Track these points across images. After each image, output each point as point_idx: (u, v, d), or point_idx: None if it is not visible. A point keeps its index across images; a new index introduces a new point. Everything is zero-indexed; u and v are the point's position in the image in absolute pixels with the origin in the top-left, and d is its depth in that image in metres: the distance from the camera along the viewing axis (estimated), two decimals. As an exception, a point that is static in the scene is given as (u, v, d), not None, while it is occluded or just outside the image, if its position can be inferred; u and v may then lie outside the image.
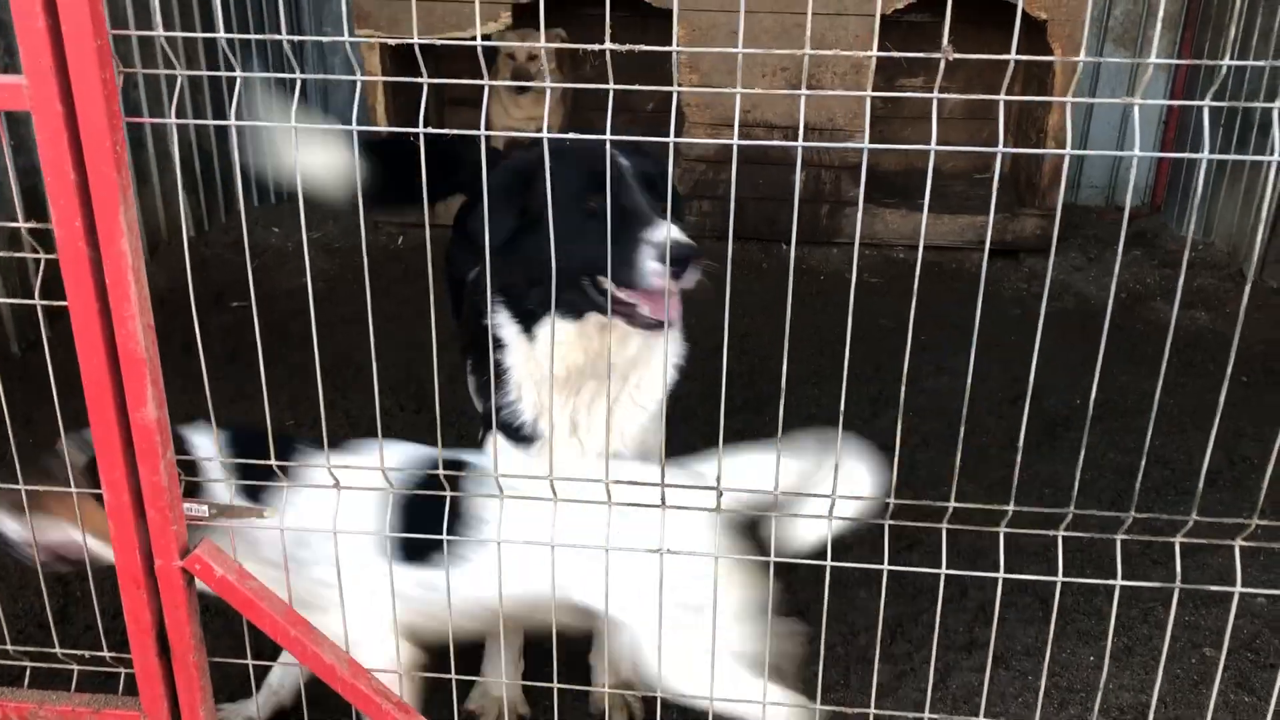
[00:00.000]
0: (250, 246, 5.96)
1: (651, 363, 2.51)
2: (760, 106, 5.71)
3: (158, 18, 1.85)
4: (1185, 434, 4.27)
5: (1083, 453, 2.10)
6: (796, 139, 5.67)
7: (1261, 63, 1.93)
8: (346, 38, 1.80)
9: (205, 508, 2.11)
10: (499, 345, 2.50)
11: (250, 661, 2.31)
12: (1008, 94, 1.76)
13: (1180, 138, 6.46)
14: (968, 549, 3.54)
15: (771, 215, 5.83)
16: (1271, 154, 1.80)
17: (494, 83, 1.85)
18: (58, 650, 2.41)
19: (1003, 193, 6.21)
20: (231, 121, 1.82)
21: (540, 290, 2.33)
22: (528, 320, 2.45)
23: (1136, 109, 1.82)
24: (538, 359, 2.43)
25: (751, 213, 5.83)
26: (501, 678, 2.76)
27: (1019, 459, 2.07)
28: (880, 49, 5.56)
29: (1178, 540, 2.11)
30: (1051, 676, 3.08)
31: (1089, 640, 3.20)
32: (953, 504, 2.06)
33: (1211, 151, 6.03)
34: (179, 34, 1.82)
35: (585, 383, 2.51)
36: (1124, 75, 6.46)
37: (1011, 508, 2.05)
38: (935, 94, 1.79)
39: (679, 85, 5.58)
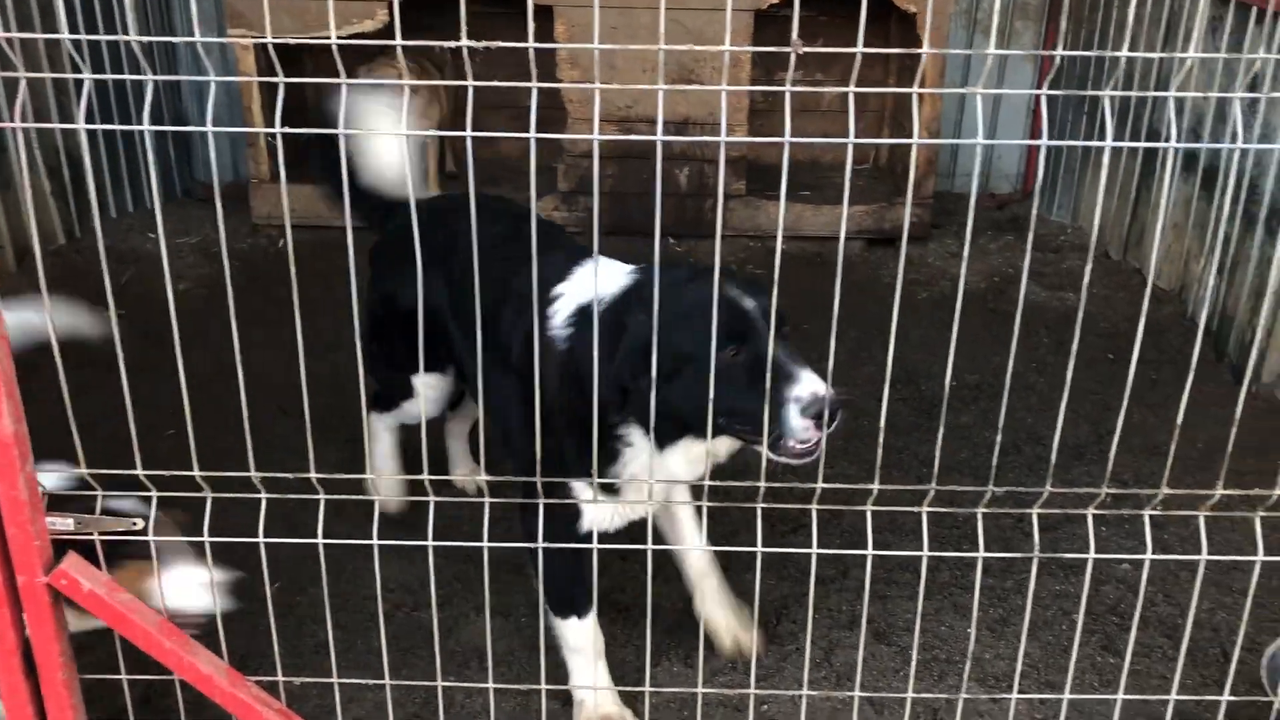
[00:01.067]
0: (126, 252, 5.81)
1: None
2: (642, 102, 5.75)
3: (62, 20, 1.80)
4: (1055, 410, 4.42)
5: (941, 431, 2.18)
6: (681, 133, 5.73)
7: (1100, 53, 2.02)
8: (198, 38, 1.78)
9: (70, 521, 2.06)
10: (624, 440, 2.58)
11: (125, 677, 2.26)
12: (872, 85, 1.82)
13: (1049, 127, 6.69)
14: (850, 529, 3.66)
15: (653, 209, 5.86)
16: (1104, 139, 1.89)
17: (352, 81, 1.85)
18: (-80, 675, 2.33)
19: (880, 182, 6.36)
20: (81, 125, 1.78)
21: (679, 424, 2.46)
22: (660, 439, 2.52)
23: (980, 98, 1.90)
24: (661, 461, 2.54)
25: (634, 207, 5.87)
26: None
27: (881, 440, 2.14)
28: (757, 43, 5.64)
29: (1035, 511, 2.20)
30: (931, 649, 3.18)
31: (966, 613, 3.31)
32: (820, 485, 2.12)
33: (1074, 137, 6.25)
34: (18, 35, 1.76)
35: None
36: (995, 69, 6.66)
37: (876, 486, 2.11)
38: (788, 87, 1.84)
39: (560, 80, 5.61)
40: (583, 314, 2.60)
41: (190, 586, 2.32)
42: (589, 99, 5.75)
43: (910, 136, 6.10)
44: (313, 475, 2.08)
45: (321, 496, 2.11)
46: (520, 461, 2.82)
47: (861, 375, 4.63)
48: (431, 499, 2.17)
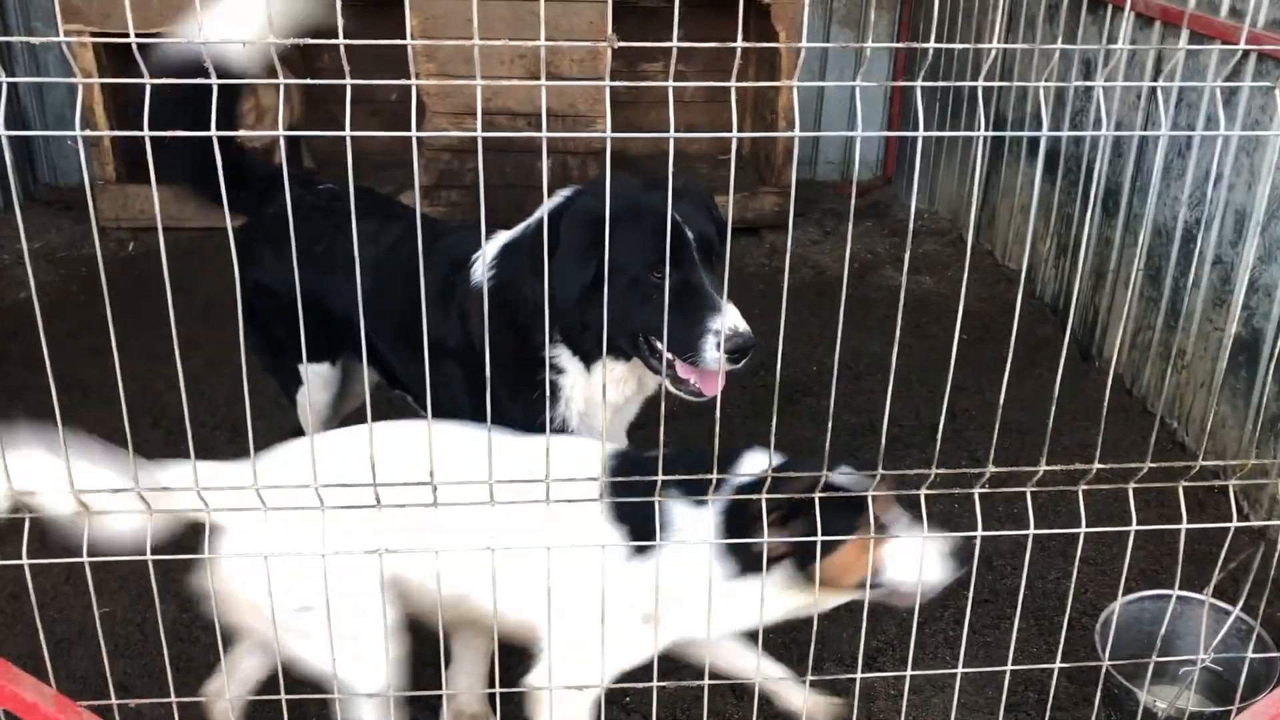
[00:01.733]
0: (-37, 260, 5.54)
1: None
2: (501, 95, 5.70)
3: None
4: (912, 391, 4.55)
5: (775, 420, 2.21)
6: (538, 126, 5.70)
7: (963, 45, 2.07)
8: (62, 38, 1.69)
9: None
10: (556, 370, 2.65)
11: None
12: (739, 78, 1.83)
13: (904, 113, 6.86)
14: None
15: (519, 201, 5.81)
16: (976, 129, 1.94)
17: (220, 81, 1.78)
18: None
19: (743, 173, 6.44)
20: (2, 132, 1.67)
21: (599, 336, 2.47)
22: (586, 357, 2.61)
23: (859, 90, 1.93)
24: (592, 386, 2.61)
25: (500, 199, 5.81)
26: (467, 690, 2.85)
27: (717, 428, 2.16)
28: (613, 35, 5.64)
29: (869, 495, 2.25)
30: (788, 632, 3.23)
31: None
32: (661, 477, 2.13)
33: (929, 128, 6.41)
34: None
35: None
36: (850, 56, 6.80)
37: (715, 476, 2.13)
38: (606, 82, 1.84)
39: (415, 76, 5.52)
40: (506, 248, 2.68)
41: (921, 557, 2.27)
42: (447, 93, 5.68)
43: (772, 125, 6.19)
44: (136, 489, 2.00)
45: (151, 511, 2.04)
46: None
47: (725, 364, 4.68)
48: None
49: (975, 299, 5.37)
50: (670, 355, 2.46)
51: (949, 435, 4.24)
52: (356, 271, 1.88)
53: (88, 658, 3.03)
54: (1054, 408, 2.30)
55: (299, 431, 3.54)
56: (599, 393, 2.60)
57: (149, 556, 2.05)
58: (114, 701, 2.18)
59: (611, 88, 1.98)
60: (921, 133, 1.94)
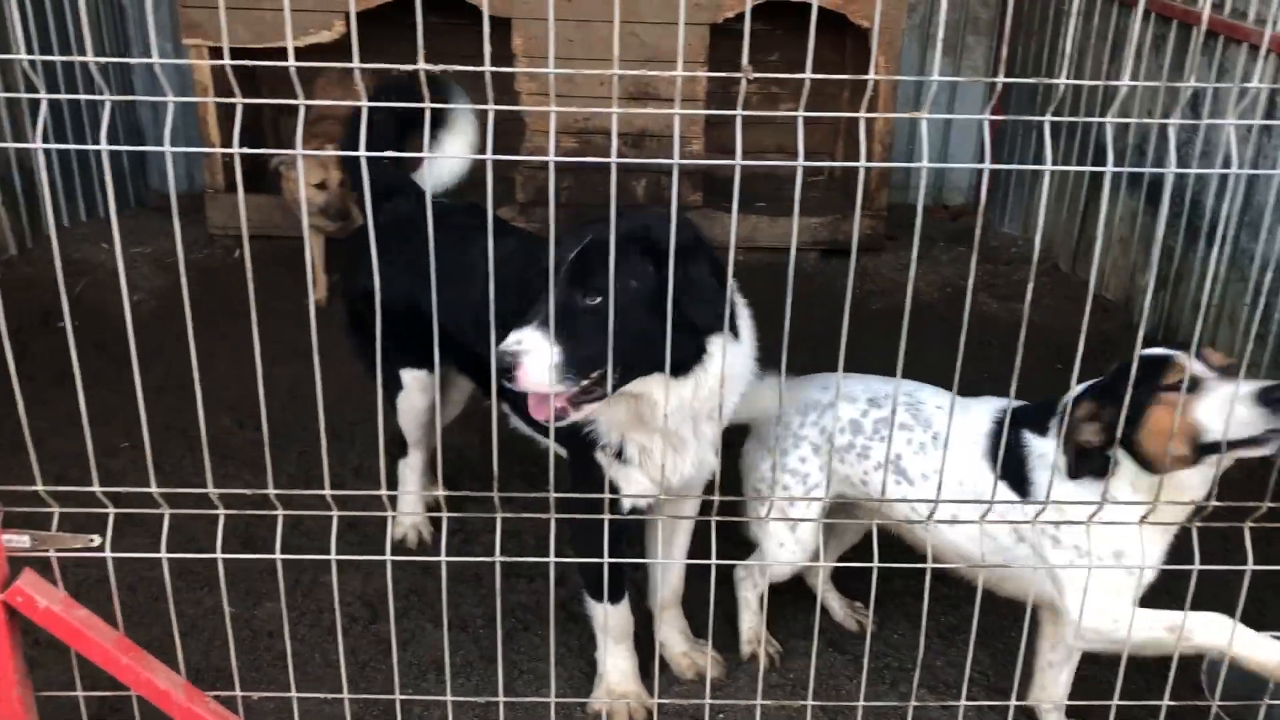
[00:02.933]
0: (79, 263, 5.76)
1: (729, 388, 2.65)
2: (598, 115, 5.79)
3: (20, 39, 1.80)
4: (1006, 421, 4.51)
5: (890, 446, 2.22)
6: (635, 146, 5.78)
7: (1049, 80, 2.08)
8: (155, 59, 1.79)
9: (25, 538, 2.06)
10: None
11: (81, 694, 2.26)
12: (827, 98, 1.87)
13: (999, 142, 6.81)
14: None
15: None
16: (1044, 163, 1.95)
17: (310, 102, 1.87)
18: None
19: (834, 194, 6.44)
20: (38, 145, 1.79)
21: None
22: None
23: (924, 121, 1.95)
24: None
25: (590, 220, 5.91)
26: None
27: (830, 453, 2.18)
28: (714, 56, 5.69)
29: (979, 521, 2.25)
30: (883, 657, 3.23)
31: (918, 621, 3.35)
32: (773, 498, 2.16)
33: (1023, 155, 6.37)
34: (40, 56, 1.77)
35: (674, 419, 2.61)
36: (949, 82, 6.78)
37: (827, 499, 2.15)
38: (739, 110, 1.88)
39: (518, 92, 5.63)
40: None
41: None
42: (545, 113, 5.77)
43: (868, 149, 6.18)
44: (270, 492, 2.08)
45: (280, 513, 2.12)
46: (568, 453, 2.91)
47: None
48: (389, 514, 2.19)
49: (1069, 329, 5.31)
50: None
51: (1044, 466, 4.19)
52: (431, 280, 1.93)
53: (199, 651, 3.13)
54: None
55: (400, 437, 3.64)
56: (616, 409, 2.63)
57: (277, 556, 2.12)
58: (238, 693, 2.26)
59: (709, 108, 2.02)
60: (988, 165, 1.96)
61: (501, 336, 2.92)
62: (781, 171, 6.78)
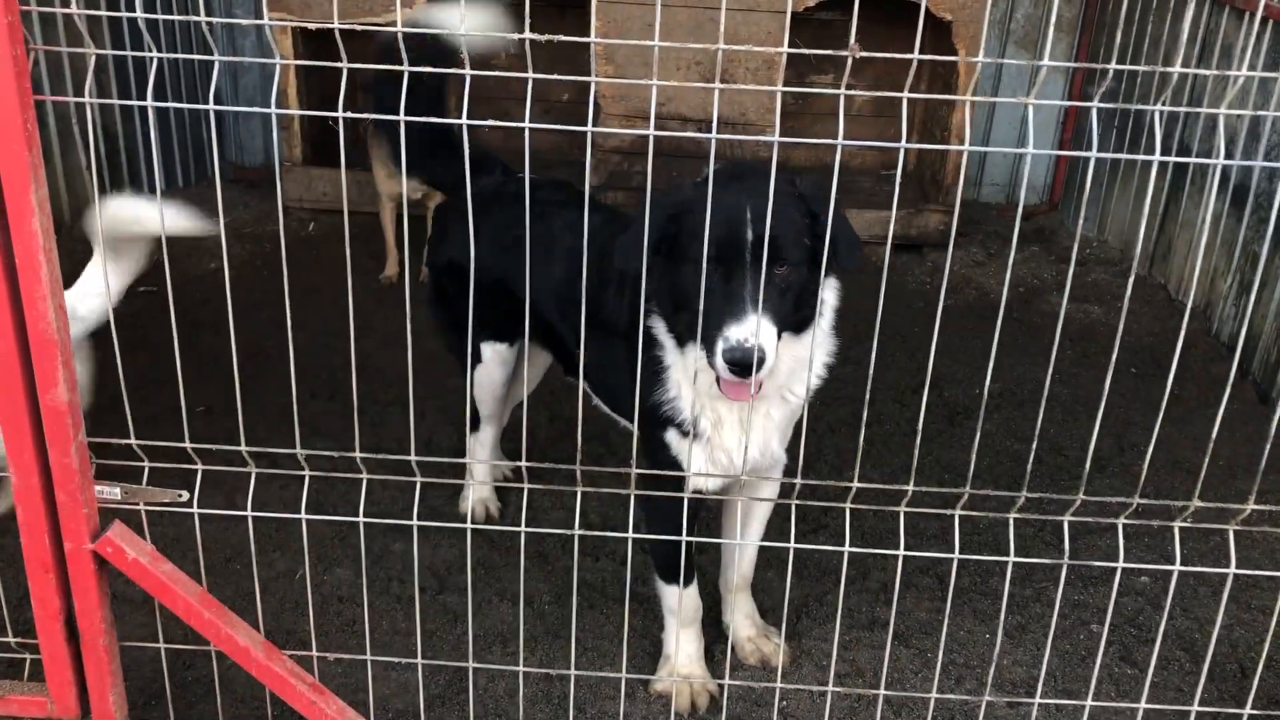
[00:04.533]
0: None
1: (800, 363, 2.61)
2: (675, 99, 5.78)
3: (71, -4, 1.83)
4: (1078, 422, 4.45)
5: (978, 438, 2.20)
6: (710, 131, 5.76)
7: (1148, 68, 2.04)
8: (266, 20, 1.81)
9: (117, 490, 2.10)
10: (659, 345, 2.65)
11: (162, 645, 2.30)
12: (901, 88, 1.85)
13: (1077, 139, 6.70)
14: (870, 532, 3.68)
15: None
16: (1153, 154, 1.91)
17: (413, 69, 1.88)
18: (-40, 637, 2.37)
19: (908, 189, 6.37)
20: (150, 103, 1.81)
21: (684, 317, 2.47)
22: (678, 337, 2.59)
23: (1031, 109, 1.92)
24: (688, 366, 2.58)
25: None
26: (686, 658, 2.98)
27: (918, 441, 2.16)
28: (791, 45, 5.66)
29: (1066, 519, 2.22)
30: (949, 653, 3.20)
31: (985, 619, 3.33)
32: (856, 484, 2.14)
33: (1103, 151, 6.28)
34: (95, 12, 1.81)
35: (779, 383, 2.61)
36: (1025, 76, 6.68)
37: (911, 488, 2.13)
38: (843, 90, 1.87)
39: (595, 74, 5.63)
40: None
41: None
42: (621, 94, 5.78)
43: (942, 143, 6.12)
44: (357, 455, 2.11)
45: (364, 476, 2.14)
46: (640, 433, 2.90)
47: (885, 380, 4.66)
48: (471, 482, 2.20)
49: (1147, 333, 5.22)
50: (716, 363, 2.39)
51: (1118, 469, 4.13)
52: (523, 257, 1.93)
53: (269, 613, 3.18)
54: (1211, 445, 2.24)
55: (473, 411, 3.66)
56: (699, 379, 2.57)
57: (360, 519, 2.15)
58: (314, 654, 2.29)
59: (781, 96, 2.00)
60: (1095, 153, 1.91)
61: (585, 308, 2.89)
62: (854, 162, 6.73)
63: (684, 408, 2.68)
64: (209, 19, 1.80)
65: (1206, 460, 2.22)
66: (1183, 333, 2.10)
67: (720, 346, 2.29)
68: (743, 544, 3.07)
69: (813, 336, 2.47)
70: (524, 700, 2.90)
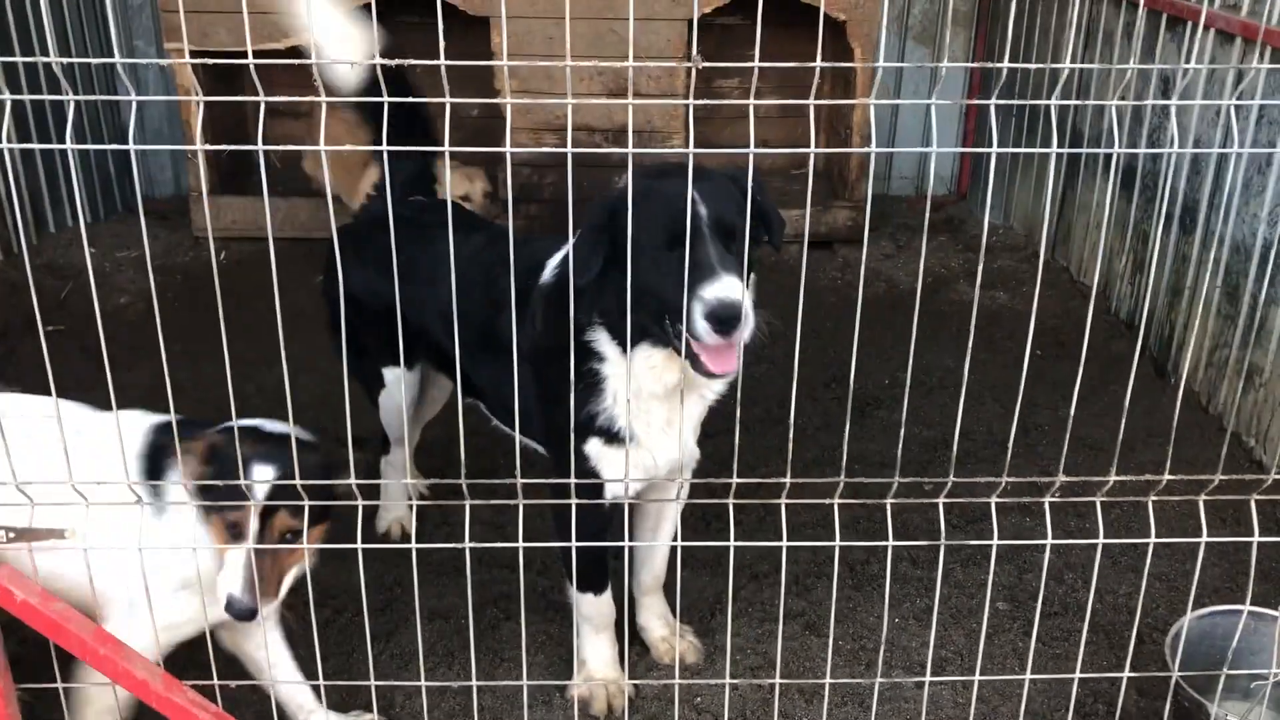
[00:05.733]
0: (66, 267, 5.80)
1: None
2: (580, 111, 5.83)
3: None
4: (984, 405, 4.57)
5: (903, 429, 2.27)
6: (615, 141, 5.83)
7: (1039, 65, 2.14)
8: (187, 60, 1.84)
9: (2, 531, 2.10)
10: (599, 358, 2.67)
11: (60, 685, 2.30)
12: (805, 89, 1.93)
13: (979, 130, 6.86)
14: (790, 525, 3.75)
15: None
16: (1050, 146, 2.00)
17: (329, 99, 1.92)
18: None
19: (817, 186, 6.49)
20: (70, 145, 1.83)
21: (633, 320, 2.46)
22: (622, 343, 2.60)
23: (933, 107, 2.00)
24: (635, 375, 2.60)
25: (579, 213, 5.95)
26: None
27: (846, 433, 2.22)
28: (697, 56, 5.74)
29: (993, 500, 2.29)
30: (860, 639, 3.28)
31: (894, 603, 3.42)
32: (789, 479, 2.21)
33: (1003, 144, 6.43)
34: (9, 59, 1.83)
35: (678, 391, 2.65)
36: (926, 71, 6.82)
37: (842, 480, 2.19)
38: (751, 100, 1.94)
39: (497, 90, 5.67)
40: (570, 250, 2.69)
41: None
42: (527, 110, 5.82)
43: (846, 141, 6.24)
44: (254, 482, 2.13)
45: (281, 503, 2.17)
46: (549, 448, 2.95)
47: (799, 375, 4.73)
48: (386, 503, 2.23)
49: (1050, 315, 5.36)
50: (688, 335, 2.42)
51: (1021, 450, 4.25)
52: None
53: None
54: (1124, 420, 2.34)
55: (382, 434, 3.69)
56: (641, 383, 2.62)
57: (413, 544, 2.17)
58: (215, 683, 2.31)
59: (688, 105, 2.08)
60: (995, 149, 2.01)
61: (480, 331, 2.94)
62: (764, 164, 6.83)
63: (618, 415, 2.71)
64: (123, 60, 1.83)
65: (1120, 435, 2.30)
66: (1090, 316, 2.20)
67: (699, 310, 2.29)
68: (655, 546, 3.13)
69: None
70: (444, 715, 2.94)
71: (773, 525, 3.74)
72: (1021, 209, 6.42)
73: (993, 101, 2.00)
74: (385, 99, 1.92)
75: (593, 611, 3.00)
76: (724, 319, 2.29)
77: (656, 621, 3.22)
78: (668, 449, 2.77)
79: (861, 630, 3.33)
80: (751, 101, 1.97)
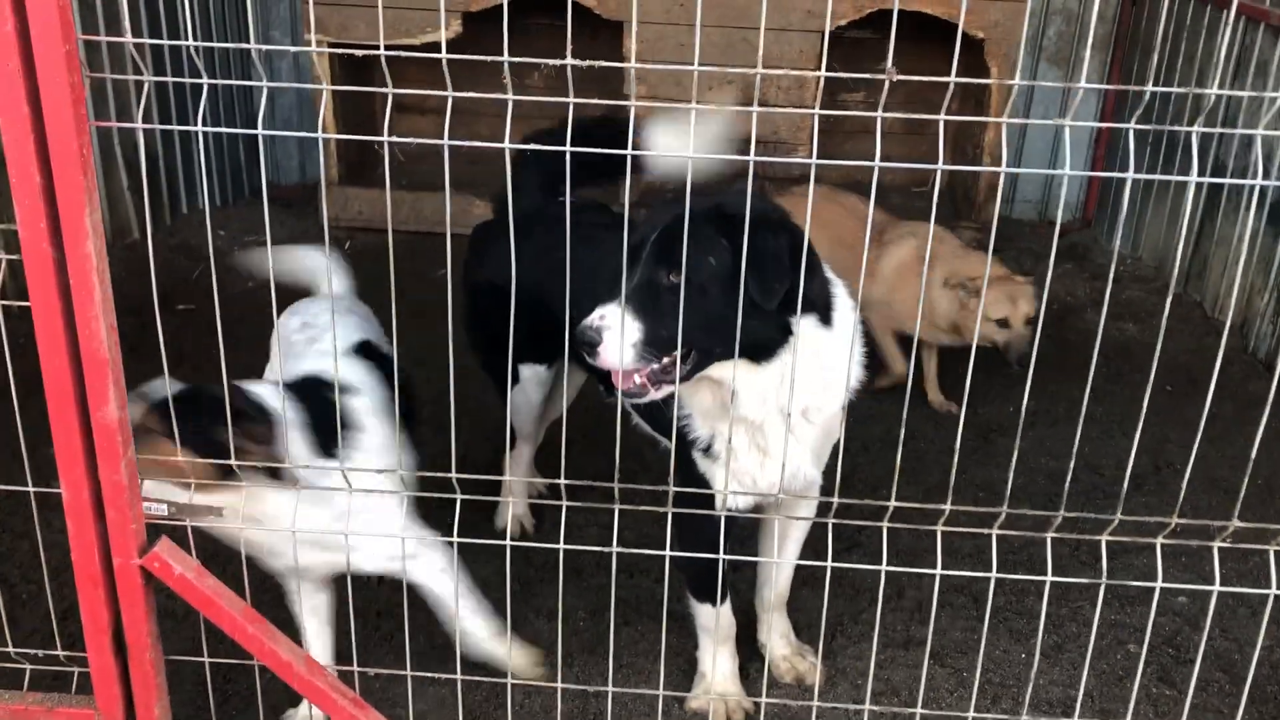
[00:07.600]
0: (198, 248, 5.95)
1: (820, 385, 2.58)
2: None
3: (126, 24, 1.88)
4: (1113, 440, 4.43)
5: (1015, 457, 2.20)
6: (745, 151, 5.79)
7: (1181, 89, 2.05)
8: (313, 48, 1.85)
9: (164, 506, 2.14)
10: None
11: (207, 659, 2.34)
12: (946, 113, 1.88)
13: (1110, 155, 6.67)
14: (905, 550, 3.67)
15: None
16: (1190, 174, 1.92)
17: (457, 94, 1.91)
18: (10, 649, 2.42)
19: (940, 206, 6.37)
20: (201, 127, 1.86)
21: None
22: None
23: (1068, 129, 1.93)
24: (681, 393, 2.58)
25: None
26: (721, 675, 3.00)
27: (955, 460, 2.17)
28: (892, 69, 5.69)
29: (1104, 539, 2.21)
30: (985, 673, 3.19)
31: (1020, 638, 3.32)
32: (893, 503, 2.15)
33: (1138, 170, 6.26)
34: (147, 40, 1.87)
35: (753, 410, 2.56)
36: (1058, 93, 6.66)
37: (949, 507, 2.14)
38: (880, 113, 1.89)
39: (626, 95, 5.67)
40: None
41: None
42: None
43: (975, 160, 6.11)
44: (398, 470, 2.14)
45: (405, 493, 2.17)
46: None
47: (919, 398, 4.65)
48: (508, 499, 2.22)
49: (1183, 351, 5.18)
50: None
51: (1153, 488, 4.11)
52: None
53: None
54: (1250, 463, 2.23)
55: (510, 430, 3.69)
56: (690, 402, 2.65)
57: (401, 535, 2.17)
58: (355, 668, 2.32)
59: (813, 117, 2.04)
60: (1131, 175, 1.93)
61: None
62: (885, 179, 6.73)
63: (697, 427, 2.70)
64: (259, 46, 1.84)
65: (1246, 479, 2.21)
66: (1222, 349, 2.10)
67: (580, 334, 2.35)
68: (779, 563, 3.08)
69: (789, 364, 2.38)
70: (561, 716, 2.92)
71: (893, 549, 3.67)
72: (1152, 240, 6.23)
73: (1131, 125, 1.92)
74: (509, 96, 1.91)
75: (710, 623, 2.96)
76: (581, 342, 2.35)
77: (778, 640, 3.17)
78: (768, 470, 2.71)
79: (987, 663, 3.23)
80: (880, 114, 1.92)
